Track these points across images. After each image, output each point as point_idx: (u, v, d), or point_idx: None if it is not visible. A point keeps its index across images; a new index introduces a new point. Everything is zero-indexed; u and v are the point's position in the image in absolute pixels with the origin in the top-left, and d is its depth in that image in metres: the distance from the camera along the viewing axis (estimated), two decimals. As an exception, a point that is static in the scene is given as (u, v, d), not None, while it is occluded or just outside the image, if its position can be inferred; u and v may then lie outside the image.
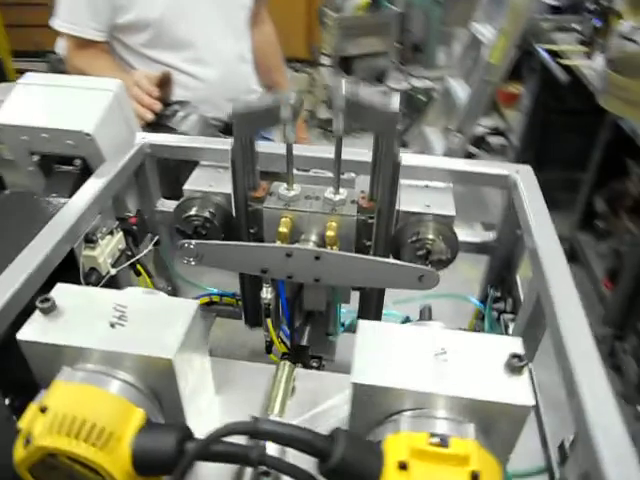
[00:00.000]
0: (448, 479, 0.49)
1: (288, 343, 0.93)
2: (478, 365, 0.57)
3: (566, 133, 2.93)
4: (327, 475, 0.50)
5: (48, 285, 0.70)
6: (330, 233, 0.79)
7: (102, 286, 0.81)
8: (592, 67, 2.19)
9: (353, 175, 0.92)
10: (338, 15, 3.84)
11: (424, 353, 0.58)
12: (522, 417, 0.55)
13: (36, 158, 0.93)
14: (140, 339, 0.59)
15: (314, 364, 0.91)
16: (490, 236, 0.96)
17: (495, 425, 0.55)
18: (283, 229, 0.81)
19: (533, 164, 2.91)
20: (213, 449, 0.51)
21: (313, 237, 0.83)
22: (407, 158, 0.82)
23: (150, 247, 0.96)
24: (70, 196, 0.91)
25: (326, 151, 0.91)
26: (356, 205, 0.82)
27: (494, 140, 3.70)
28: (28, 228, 0.75)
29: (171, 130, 1.31)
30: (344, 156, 0.81)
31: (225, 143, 0.98)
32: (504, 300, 0.95)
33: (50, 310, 0.61)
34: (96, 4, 1.45)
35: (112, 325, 0.60)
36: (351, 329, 1.05)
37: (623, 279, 2.18)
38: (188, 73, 1.59)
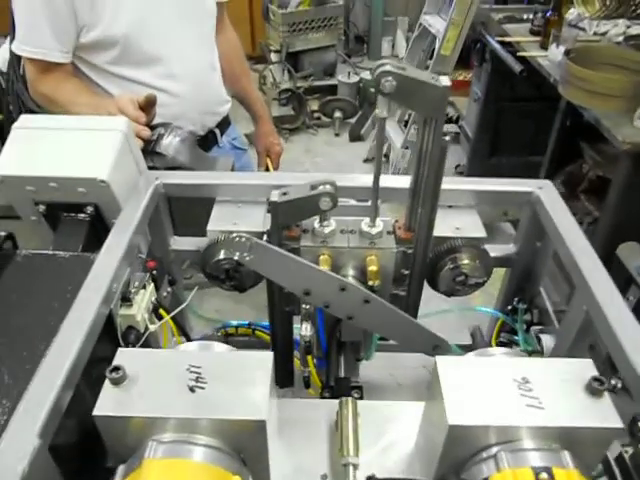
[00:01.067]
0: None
1: (323, 376, 0.92)
2: (560, 391, 0.59)
3: (520, 120, 3.02)
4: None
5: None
6: (373, 268, 0.79)
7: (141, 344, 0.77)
8: (549, 57, 2.26)
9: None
10: (284, 11, 3.79)
11: (507, 385, 0.59)
12: (611, 438, 0.57)
13: (42, 208, 0.87)
14: (226, 402, 0.57)
15: (355, 395, 0.90)
16: (511, 249, 0.98)
17: (584, 447, 0.57)
18: (324, 267, 0.79)
19: (488, 150, 2.97)
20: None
21: (351, 271, 0.82)
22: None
23: (185, 303, 0.92)
24: (84, 247, 0.87)
25: (354, 180, 0.90)
26: (393, 236, 0.81)
27: (447, 127, 3.76)
28: (61, 292, 0.70)
29: (160, 156, 1.26)
30: (366, 183, 0.81)
31: (240, 178, 0.95)
32: (530, 312, 0.97)
33: (122, 380, 0.58)
34: (59, 24, 1.35)
35: (192, 389, 0.58)
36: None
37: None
38: (160, 89, 1.51)
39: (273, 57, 3.87)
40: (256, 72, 3.79)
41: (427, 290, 0.95)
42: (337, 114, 3.87)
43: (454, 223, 0.88)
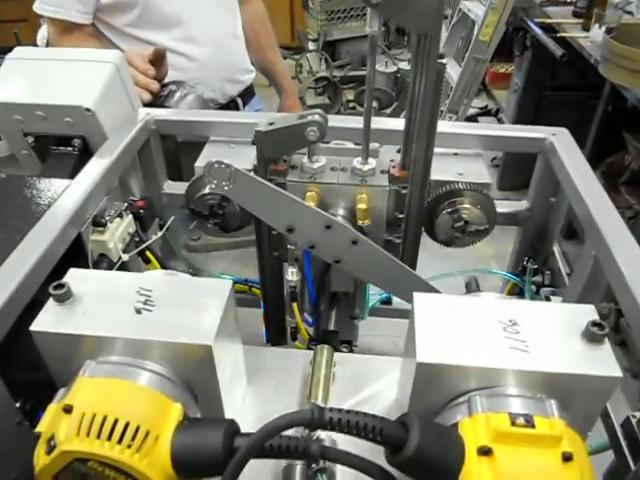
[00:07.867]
0: (538, 463, 0.44)
1: (312, 330, 0.87)
2: (553, 336, 0.51)
3: (561, 110, 2.88)
4: (401, 467, 0.44)
5: (55, 275, 0.64)
6: (362, 206, 0.73)
7: (114, 274, 0.74)
8: (590, 38, 2.14)
9: (377, 145, 0.85)
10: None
11: (492, 325, 0.52)
12: (608, 390, 0.49)
13: (31, 140, 0.85)
14: (172, 325, 0.52)
15: (344, 349, 0.85)
16: (523, 205, 0.90)
17: (577, 400, 0.49)
18: (310, 204, 0.74)
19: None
20: (269, 444, 0.44)
21: (341, 211, 0.77)
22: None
23: (160, 233, 0.88)
24: (71, 179, 0.85)
25: (350, 121, 0.84)
26: (387, 175, 0.76)
27: (485, 120, 3.65)
28: (29, 213, 0.67)
29: (169, 111, 1.24)
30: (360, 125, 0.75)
31: (235, 116, 0.91)
32: (541, 273, 0.89)
33: (66, 297, 0.54)
34: None
35: (138, 311, 0.53)
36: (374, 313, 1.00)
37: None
38: (179, 52, 1.50)
39: (310, 45, 3.84)
40: (294, 61, 3.77)
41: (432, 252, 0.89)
42: (373, 104, 3.81)
43: (457, 169, 0.81)
